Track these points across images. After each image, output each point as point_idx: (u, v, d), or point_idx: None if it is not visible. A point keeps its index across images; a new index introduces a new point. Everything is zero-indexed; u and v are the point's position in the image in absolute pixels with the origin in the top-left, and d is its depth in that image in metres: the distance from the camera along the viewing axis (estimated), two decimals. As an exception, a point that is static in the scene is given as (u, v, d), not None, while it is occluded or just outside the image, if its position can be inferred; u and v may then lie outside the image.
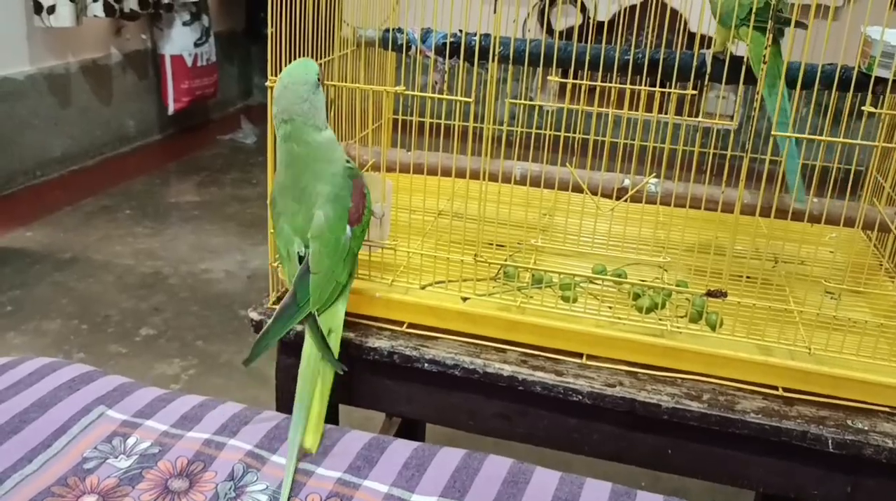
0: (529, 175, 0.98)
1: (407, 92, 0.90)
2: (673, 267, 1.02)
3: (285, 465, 0.72)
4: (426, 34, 1.11)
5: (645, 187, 0.95)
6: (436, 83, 1.18)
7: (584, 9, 2.18)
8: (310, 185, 0.87)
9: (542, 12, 2.95)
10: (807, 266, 1.03)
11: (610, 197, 0.97)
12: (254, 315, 0.92)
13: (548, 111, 1.13)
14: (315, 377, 0.81)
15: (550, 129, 1.08)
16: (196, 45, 3.18)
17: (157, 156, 3.07)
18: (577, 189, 0.97)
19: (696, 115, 0.92)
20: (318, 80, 0.87)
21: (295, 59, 0.93)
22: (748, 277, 0.95)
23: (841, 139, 0.87)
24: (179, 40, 3.12)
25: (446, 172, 0.97)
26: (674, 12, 1.23)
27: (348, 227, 0.86)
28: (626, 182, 0.95)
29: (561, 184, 0.97)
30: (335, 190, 0.87)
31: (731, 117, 1.07)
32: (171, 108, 3.16)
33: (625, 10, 1.09)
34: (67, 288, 2.03)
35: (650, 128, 1.03)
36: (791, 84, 0.97)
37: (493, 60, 1.04)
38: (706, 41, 1.04)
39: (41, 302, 1.95)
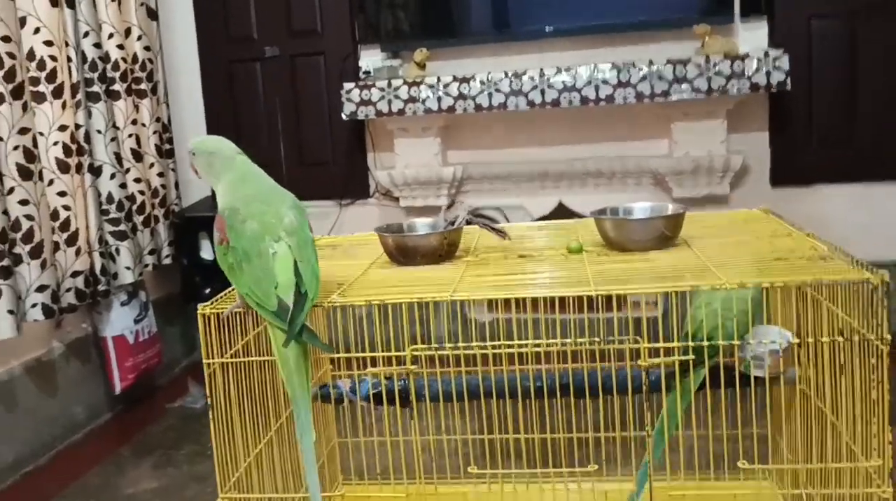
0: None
1: (350, 494, 0.98)
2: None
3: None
4: (354, 386, 1.21)
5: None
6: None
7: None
8: (277, 189, 1.10)
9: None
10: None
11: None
12: None
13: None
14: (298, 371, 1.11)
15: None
16: (136, 321, 3.26)
17: (109, 440, 3.07)
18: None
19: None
20: None
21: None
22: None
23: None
24: (119, 321, 3.20)
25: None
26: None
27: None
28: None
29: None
30: (295, 203, 1.10)
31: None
32: (118, 388, 3.19)
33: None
34: None
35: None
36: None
37: (415, 400, 1.14)
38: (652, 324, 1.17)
39: None
